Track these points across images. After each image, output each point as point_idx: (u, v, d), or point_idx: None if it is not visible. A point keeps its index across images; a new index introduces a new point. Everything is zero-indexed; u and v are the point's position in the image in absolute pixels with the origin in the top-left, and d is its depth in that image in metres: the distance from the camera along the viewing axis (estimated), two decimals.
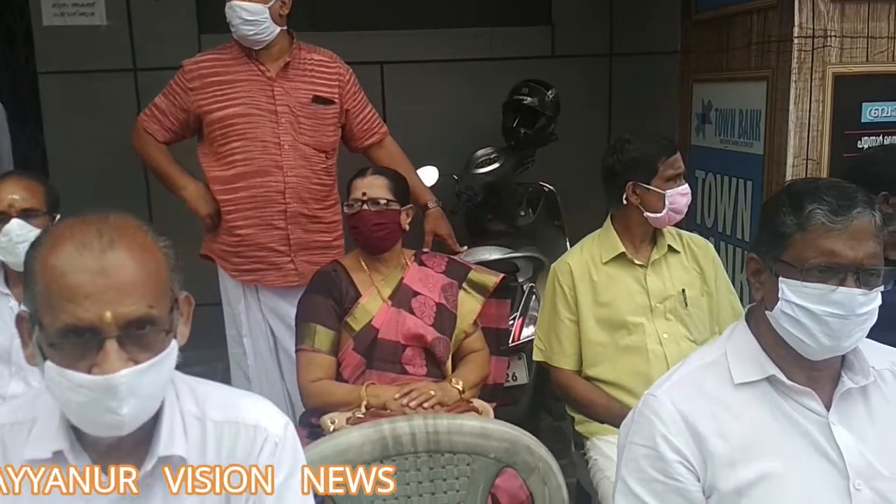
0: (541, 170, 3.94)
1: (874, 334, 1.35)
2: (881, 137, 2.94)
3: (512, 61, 4.51)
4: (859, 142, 2.94)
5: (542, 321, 2.44)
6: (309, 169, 2.72)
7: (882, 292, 1.31)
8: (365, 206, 2.28)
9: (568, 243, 3.54)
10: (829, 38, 2.87)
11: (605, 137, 4.51)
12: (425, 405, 2.08)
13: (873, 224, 1.29)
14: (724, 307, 2.37)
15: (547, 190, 3.91)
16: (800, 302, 1.29)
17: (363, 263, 2.34)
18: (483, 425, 1.56)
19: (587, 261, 2.35)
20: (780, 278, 1.32)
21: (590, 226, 2.50)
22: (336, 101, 2.77)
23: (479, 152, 3.78)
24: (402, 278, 2.33)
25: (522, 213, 3.87)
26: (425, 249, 2.51)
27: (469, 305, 2.39)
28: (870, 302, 1.29)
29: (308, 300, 2.30)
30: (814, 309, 1.28)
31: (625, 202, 2.29)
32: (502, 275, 2.46)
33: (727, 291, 2.41)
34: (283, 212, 2.70)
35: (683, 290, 2.31)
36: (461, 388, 2.21)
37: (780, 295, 1.32)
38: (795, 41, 2.85)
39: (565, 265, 2.37)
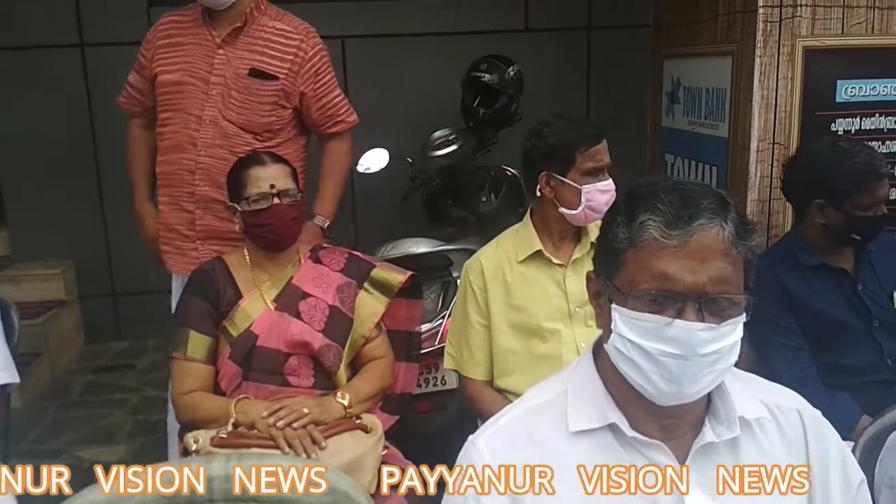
0: (505, 153, 3.68)
1: None
2: (858, 119, 2.63)
3: (482, 35, 4.23)
4: (833, 124, 2.63)
5: (453, 325, 2.19)
6: (228, 150, 2.40)
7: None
8: (277, 200, 2.03)
9: None
10: (798, 8, 2.56)
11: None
12: (295, 424, 1.83)
13: (722, 239, 0.99)
14: None
15: (510, 174, 3.65)
16: (631, 336, 1.02)
17: (248, 260, 2.09)
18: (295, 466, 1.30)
19: (501, 259, 2.10)
20: (613, 306, 1.05)
21: None
22: (281, 77, 2.44)
23: (437, 134, 3.55)
24: (292, 278, 2.08)
25: (484, 199, 3.64)
26: (325, 245, 2.25)
27: (370, 307, 2.13)
28: (719, 338, 1.00)
29: (183, 302, 2.06)
30: (646, 346, 1.01)
31: (538, 194, 2.02)
32: (409, 273, 2.20)
33: None
34: (192, 194, 2.46)
35: None
36: (347, 403, 1.96)
37: (612, 326, 1.05)
38: (760, 11, 2.55)
39: (477, 263, 2.12)
